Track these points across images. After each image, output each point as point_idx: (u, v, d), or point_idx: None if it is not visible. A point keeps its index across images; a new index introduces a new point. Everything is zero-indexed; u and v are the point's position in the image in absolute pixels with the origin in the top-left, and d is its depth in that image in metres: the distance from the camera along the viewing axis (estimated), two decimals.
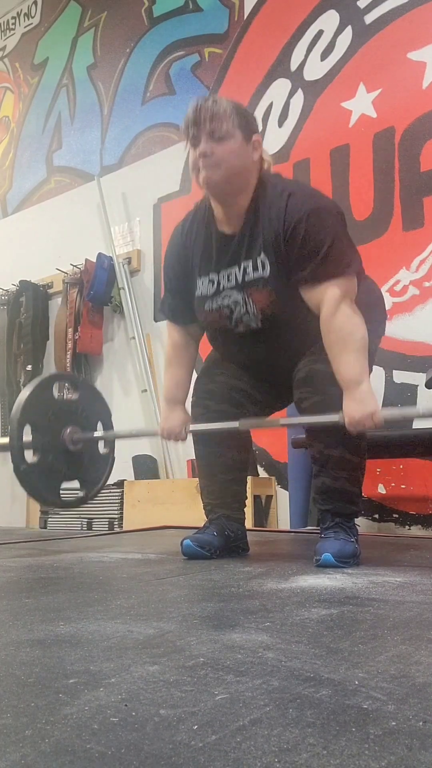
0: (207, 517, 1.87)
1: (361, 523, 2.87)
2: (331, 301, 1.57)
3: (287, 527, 2.95)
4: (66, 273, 4.20)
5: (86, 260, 4.06)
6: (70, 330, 4.05)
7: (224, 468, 1.85)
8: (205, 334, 1.93)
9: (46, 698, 0.60)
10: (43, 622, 0.94)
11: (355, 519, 1.72)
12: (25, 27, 5.16)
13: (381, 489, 2.89)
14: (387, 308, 2.90)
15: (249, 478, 2.04)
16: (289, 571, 1.47)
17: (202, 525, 1.86)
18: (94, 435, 2.06)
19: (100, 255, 4.00)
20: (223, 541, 1.78)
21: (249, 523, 2.50)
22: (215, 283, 1.74)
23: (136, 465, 3.61)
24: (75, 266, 4.16)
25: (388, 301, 2.92)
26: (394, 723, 0.53)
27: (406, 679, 0.65)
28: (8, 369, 4.27)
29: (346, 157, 3.20)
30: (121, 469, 3.74)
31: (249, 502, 1.99)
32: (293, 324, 1.70)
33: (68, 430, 1.98)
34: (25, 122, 5.06)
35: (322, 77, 3.37)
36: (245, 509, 1.91)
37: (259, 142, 1.69)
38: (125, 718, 0.54)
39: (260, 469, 3.27)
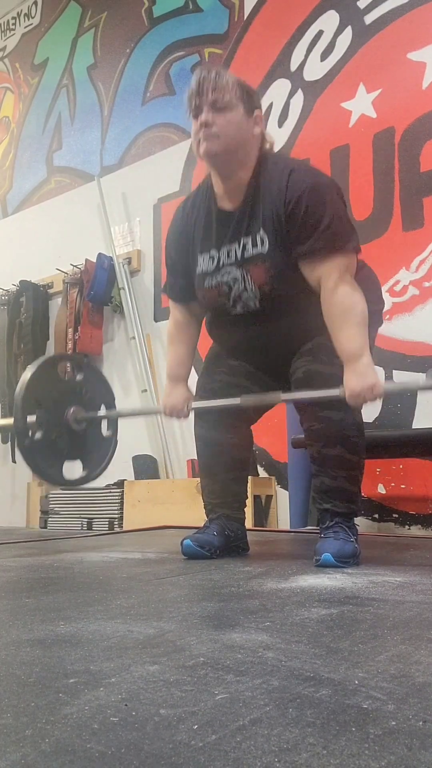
0: (207, 517, 1.87)
1: (361, 523, 2.87)
2: (331, 276, 1.59)
3: (287, 527, 2.95)
4: (66, 273, 4.20)
5: (86, 260, 4.07)
6: (70, 330, 4.05)
7: (225, 467, 1.85)
8: (204, 325, 1.93)
9: (47, 698, 0.60)
10: (43, 621, 0.94)
11: (355, 519, 1.72)
12: (25, 27, 5.16)
13: (381, 489, 2.89)
14: (387, 308, 2.92)
15: (249, 478, 2.04)
16: (289, 571, 1.47)
17: (202, 525, 1.86)
18: (98, 414, 2.08)
19: (100, 255, 4.00)
20: (224, 540, 1.78)
21: (249, 523, 2.50)
22: (215, 259, 1.74)
23: (136, 465, 3.61)
24: (75, 266, 4.16)
25: (388, 301, 2.92)
26: (394, 723, 0.53)
27: (406, 679, 0.65)
28: (8, 369, 4.27)
29: (346, 158, 3.20)
30: (121, 469, 3.74)
31: (249, 502, 1.99)
32: (291, 307, 1.70)
33: (72, 410, 2.00)
34: (26, 122, 5.06)
35: (322, 77, 3.37)
36: (245, 509, 1.91)
37: (261, 118, 1.71)
38: (125, 717, 0.55)
39: (260, 469, 3.27)
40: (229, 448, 1.84)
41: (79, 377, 2.09)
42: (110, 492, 3.54)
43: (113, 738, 0.50)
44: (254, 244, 1.67)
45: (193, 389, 1.93)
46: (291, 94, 3.48)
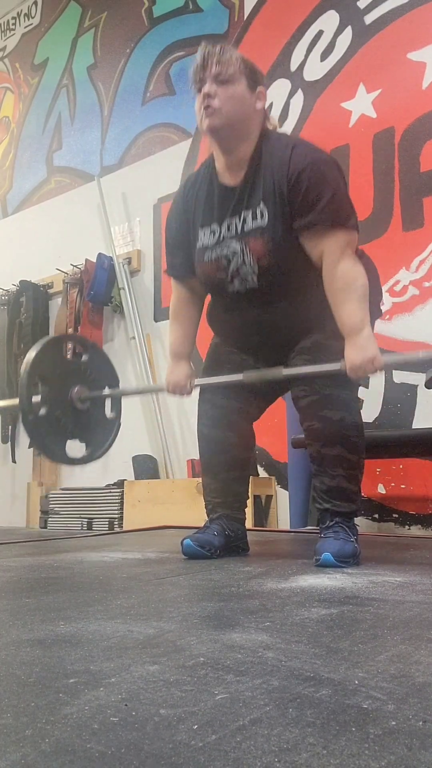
0: (208, 516, 1.87)
1: (361, 523, 2.87)
2: (334, 250, 1.60)
3: (287, 527, 2.95)
4: (66, 273, 4.20)
5: (86, 260, 4.07)
6: (70, 330, 4.05)
7: (227, 466, 1.85)
8: (205, 316, 1.93)
9: (47, 698, 0.60)
10: (43, 621, 0.94)
11: (355, 519, 1.72)
12: (25, 27, 5.16)
13: (381, 489, 2.89)
14: (387, 308, 2.92)
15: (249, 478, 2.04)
16: (289, 571, 1.47)
17: (202, 525, 1.86)
18: (102, 393, 2.10)
19: (100, 255, 4.00)
20: (224, 540, 1.78)
21: (249, 523, 2.50)
22: (216, 233, 1.75)
23: (136, 465, 3.61)
24: (75, 266, 4.16)
25: (388, 301, 2.92)
26: (394, 723, 0.53)
27: (406, 679, 0.65)
28: (8, 369, 4.27)
29: (346, 158, 3.20)
30: (121, 469, 3.74)
31: (249, 502, 1.99)
32: (288, 291, 1.71)
33: (76, 389, 2.02)
34: (26, 122, 5.06)
35: (322, 77, 3.37)
36: (245, 509, 1.91)
37: (264, 94, 1.73)
38: (125, 717, 0.55)
39: (260, 469, 3.27)
40: (230, 447, 1.85)
41: (84, 358, 2.12)
42: (110, 492, 3.54)
43: (113, 738, 0.50)
44: (254, 217, 1.68)
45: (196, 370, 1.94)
46: (291, 94, 3.48)
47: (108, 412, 2.16)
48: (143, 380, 3.76)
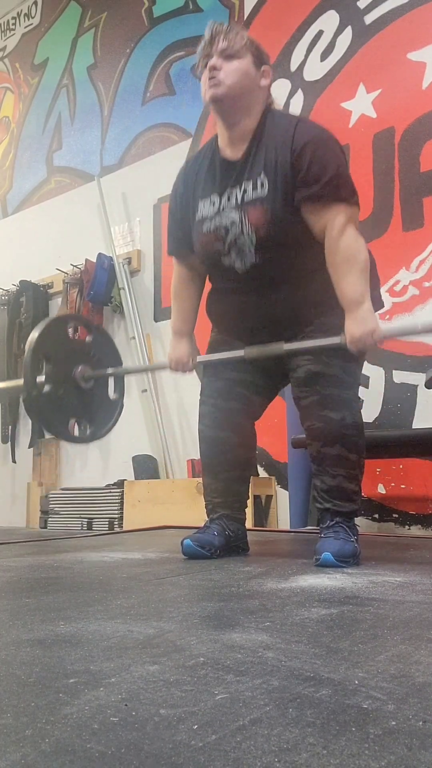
0: (208, 516, 1.87)
1: (361, 523, 2.87)
2: (337, 223, 1.62)
3: (287, 527, 2.95)
4: (66, 273, 4.20)
5: (86, 260, 4.07)
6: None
7: (228, 466, 1.85)
8: (204, 308, 1.93)
9: (47, 698, 0.60)
10: (43, 621, 0.94)
11: (355, 519, 1.72)
12: (25, 27, 5.16)
13: (381, 489, 2.89)
14: (387, 308, 2.92)
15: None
16: (289, 571, 1.47)
17: (202, 525, 1.86)
18: (106, 372, 2.11)
19: (100, 255, 4.00)
20: (224, 540, 1.78)
21: (249, 523, 2.50)
22: (216, 204, 1.76)
23: (136, 465, 3.61)
24: (75, 266, 4.16)
25: (388, 301, 2.92)
26: (394, 723, 0.53)
27: (406, 679, 0.65)
28: (8, 369, 4.28)
29: (346, 158, 3.20)
30: (121, 469, 3.74)
31: (249, 502, 1.99)
32: (289, 269, 1.71)
33: (80, 368, 2.04)
34: (26, 122, 5.06)
35: (322, 77, 3.37)
36: (245, 509, 1.91)
37: (269, 73, 1.76)
38: (125, 717, 0.55)
39: (260, 469, 3.27)
40: (232, 447, 1.85)
41: (88, 338, 2.13)
42: (110, 492, 3.54)
43: (113, 738, 0.50)
44: (254, 188, 1.70)
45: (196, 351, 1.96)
46: (291, 94, 3.48)
47: (111, 393, 2.18)
48: (143, 380, 3.76)
